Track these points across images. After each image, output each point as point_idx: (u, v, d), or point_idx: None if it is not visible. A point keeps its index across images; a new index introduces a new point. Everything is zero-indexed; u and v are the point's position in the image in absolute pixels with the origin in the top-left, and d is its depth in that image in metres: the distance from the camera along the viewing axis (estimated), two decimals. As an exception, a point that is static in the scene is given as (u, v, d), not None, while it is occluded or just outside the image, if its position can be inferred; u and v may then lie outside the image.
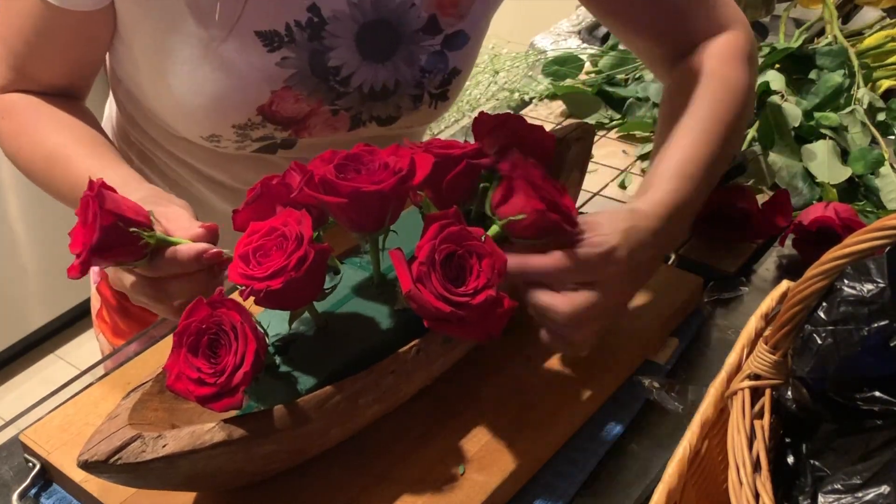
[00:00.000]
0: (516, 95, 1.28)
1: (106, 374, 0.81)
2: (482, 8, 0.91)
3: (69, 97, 0.91)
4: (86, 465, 0.59)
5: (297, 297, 0.63)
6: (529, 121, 0.76)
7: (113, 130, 1.05)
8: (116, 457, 0.58)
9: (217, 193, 1.00)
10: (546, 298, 0.67)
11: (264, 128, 0.88)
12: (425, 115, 0.95)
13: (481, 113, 0.77)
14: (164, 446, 0.59)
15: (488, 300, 0.62)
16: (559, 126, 0.91)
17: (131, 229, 0.65)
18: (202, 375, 0.59)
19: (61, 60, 0.88)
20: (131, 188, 0.75)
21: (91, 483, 0.69)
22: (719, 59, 0.86)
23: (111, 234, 0.64)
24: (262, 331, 0.62)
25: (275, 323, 0.68)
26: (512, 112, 0.81)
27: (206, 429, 0.60)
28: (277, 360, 0.66)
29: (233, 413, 0.62)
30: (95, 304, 1.15)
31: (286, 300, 0.63)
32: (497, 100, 1.29)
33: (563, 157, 0.85)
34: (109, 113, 1.07)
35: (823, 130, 1.06)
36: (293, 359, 0.66)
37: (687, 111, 0.82)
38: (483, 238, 0.65)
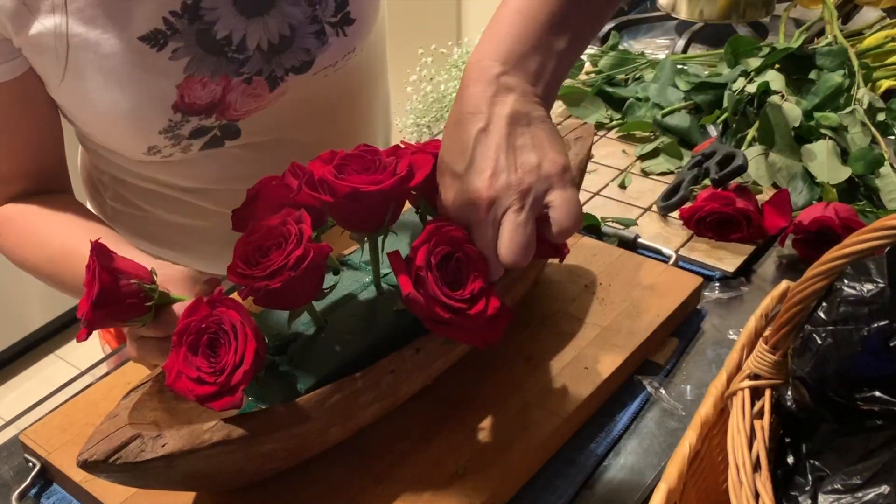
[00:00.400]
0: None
1: (106, 374, 0.81)
2: None
3: (52, 192, 0.91)
4: (85, 465, 0.59)
5: (296, 296, 0.63)
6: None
7: (87, 178, 1.06)
8: (116, 456, 0.58)
9: (196, 212, 0.99)
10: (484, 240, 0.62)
11: (189, 122, 0.88)
12: (341, 45, 0.92)
13: None
14: (163, 446, 0.59)
15: (486, 310, 0.62)
16: (559, 126, 0.91)
17: (131, 281, 0.65)
18: (202, 374, 0.59)
19: (12, 144, 0.88)
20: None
21: (91, 483, 0.69)
22: None
23: (112, 288, 0.64)
24: (261, 330, 0.62)
25: (274, 323, 0.68)
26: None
27: (206, 428, 0.60)
28: (277, 359, 0.66)
29: (232, 412, 0.62)
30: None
31: (285, 299, 0.63)
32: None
33: None
34: (82, 162, 1.07)
35: (823, 130, 1.06)
36: (292, 358, 0.66)
37: None
38: None
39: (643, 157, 1.12)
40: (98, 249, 0.65)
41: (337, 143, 1.00)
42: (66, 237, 0.86)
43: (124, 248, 0.82)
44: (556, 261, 0.78)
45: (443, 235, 0.63)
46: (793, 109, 1.06)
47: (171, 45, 0.84)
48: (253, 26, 0.87)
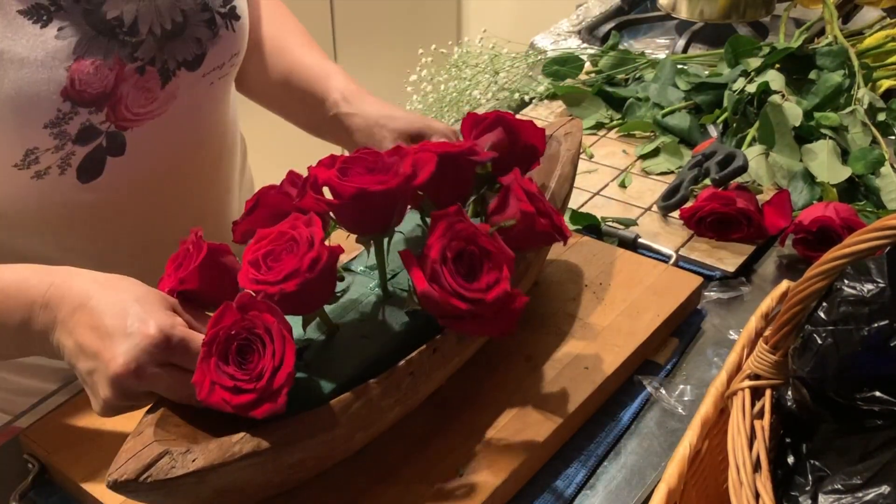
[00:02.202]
0: (516, 96, 1.28)
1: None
2: None
3: None
4: (115, 485, 0.58)
5: (310, 300, 0.63)
6: (528, 119, 0.76)
7: None
8: (146, 474, 0.57)
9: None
10: None
11: (78, 115, 0.80)
12: (229, 42, 0.91)
13: (470, 113, 0.77)
14: (193, 461, 0.58)
15: (502, 295, 0.62)
16: (549, 122, 0.91)
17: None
18: (238, 383, 0.57)
19: None
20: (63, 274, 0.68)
21: (91, 483, 0.69)
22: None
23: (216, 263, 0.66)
24: None
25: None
26: (511, 112, 0.81)
27: (235, 440, 0.59)
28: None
29: (250, 425, 0.61)
30: None
31: (300, 303, 0.62)
32: (497, 100, 1.29)
33: (554, 152, 0.85)
34: None
35: (823, 130, 1.06)
36: (308, 365, 0.66)
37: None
38: (490, 233, 0.65)
39: (643, 157, 1.12)
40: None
41: (209, 196, 0.98)
42: None
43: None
44: (555, 258, 0.78)
45: (456, 231, 0.63)
46: (793, 109, 1.06)
47: (56, 22, 0.78)
48: (144, 7, 0.83)
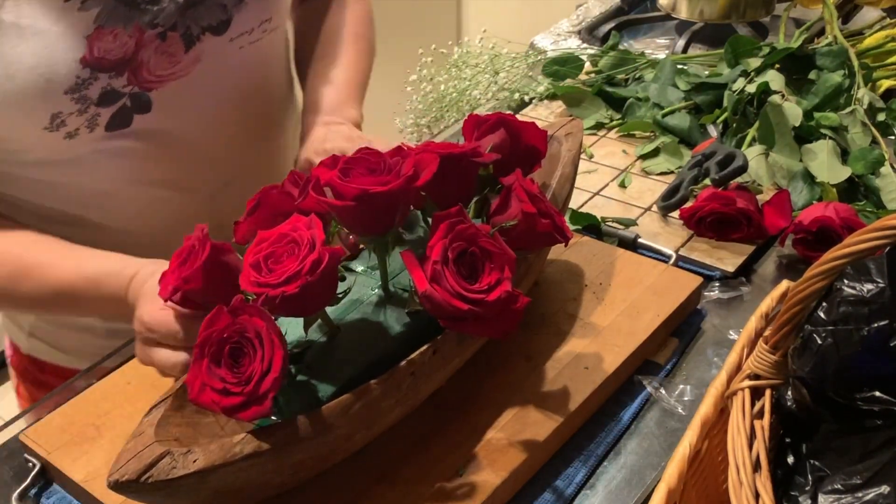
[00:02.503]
0: (516, 96, 1.28)
1: (106, 375, 0.81)
2: None
3: None
4: (116, 486, 0.58)
5: (312, 302, 0.63)
6: (529, 121, 0.76)
7: None
8: (147, 475, 0.57)
9: (84, 231, 0.92)
10: None
11: (97, 80, 0.82)
12: (258, 8, 0.91)
13: (471, 114, 0.77)
14: (194, 461, 0.58)
15: (503, 296, 0.62)
16: (549, 123, 0.91)
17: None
18: (227, 385, 0.58)
19: None
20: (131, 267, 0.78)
21: (91, 483, 0.69)
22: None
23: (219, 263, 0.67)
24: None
25: (286, 331, 0.68)
26: (511, 112, 0.81)
27: (235, 441, 0.59)
28: (293, 368, 0.66)
29: (253, 425, 0.62)
30: (13, 382, 1.10)
31: (302, 306, 0.62)
32: (497, 100, 1.29)
33: (555, 152, 0.85)
34: None
35: (823, 130, 1.06)
36: (309, 367, 0.66)
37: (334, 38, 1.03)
38: (492, 234, 0.65)
39: (643, 157, 1.12)
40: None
41: (247, 149, 0.99)
42: (19, 250, 0.83)
43: (79, 248, 0.82)
44: (555, 258, 0.78)
45: (458, 232, 0.63)
46: (793, 109, 1.06)
47: None
48: None
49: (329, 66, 1.02)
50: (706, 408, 0.57)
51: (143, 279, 0.76)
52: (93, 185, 0.90)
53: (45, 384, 1.04)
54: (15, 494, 0.71)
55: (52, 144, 0.84)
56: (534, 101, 1.26)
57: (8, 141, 0.84)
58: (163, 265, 0.72)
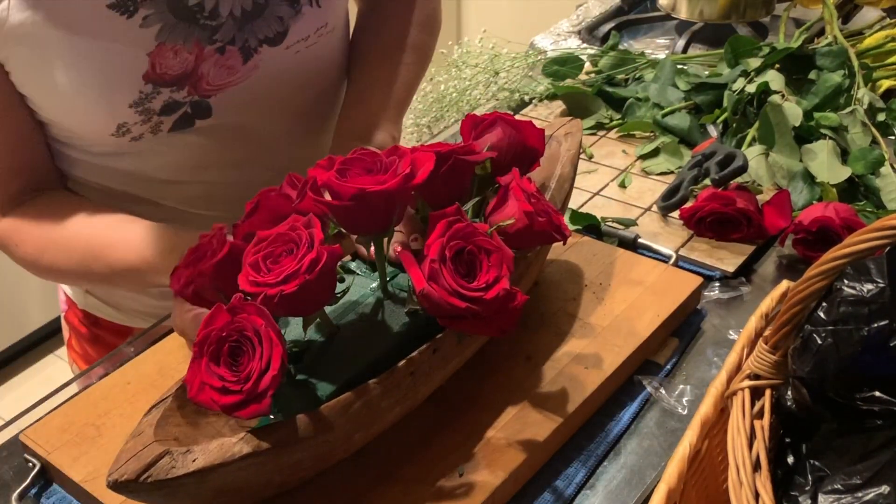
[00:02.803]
0: (516, 96, 1.28)
1: (106, 375, 0.81)
2: None
3: (45, 190, 0.91)
4: (115, 485, 0.58)
5: (310, 301, 0.63)
6: (528, 120, 0.76)
7: None
8: (146, 474, 0.57)
9: (159, 213, 0.97)
10: None
11: (160, 94, 0.86)
12: (312, 16, 0.92)
13: (469, 114, 0.77)
14: (193, 461, 0.58)
15: (501, 294, 0.62)
16: (548, 123, 0.91)
17: None
18: (226, 384, 0.58)
19: (3, 139, 0.87)
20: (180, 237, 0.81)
21: (91, 483, 0.69)
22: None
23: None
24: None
25: (285, 331, 0.68)
26: (511, 112, 0.81)
27: (235, 441, 0.59)
28: (292, 368, 0.66)
29: (253, 424, 0.61)
30: (66, 335, 1.14)
31: (300, 305, 0.62)
32: (497, 100, 1.29)
33: (555, 152, 0.85)
34: None
35: (823, 130, 1.06)
36: (309, 366, 0.66)
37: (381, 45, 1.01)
38: (489, 233, 0.65)
39: (643, 157, 1.12)
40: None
41: (304, 139, 1.01)
42: (90, 234, 0.86)
43: (140, 225, 0.85)
44: (555, 258, 0.78)
45: (455, 230, 0.63)
46: (793, 109, 1.06)
47: (142, 11, 0.82)
48: None
49: (368, 87, 1.00)
50: (706, 408, 0.57)
51: None
52: (158, 174, 0.93)
53: (99, 339, 1.09)
54: (15, 494, 0.71)
55: (118, 143, 0.88)
56: (534, 101, 1.26)
57: (77, 137, 0.89)
58: None
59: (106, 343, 1.08)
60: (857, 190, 1.02)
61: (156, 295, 1.02)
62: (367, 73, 1.01)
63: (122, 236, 0.85)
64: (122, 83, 0.84)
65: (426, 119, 1.28)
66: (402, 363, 0.65)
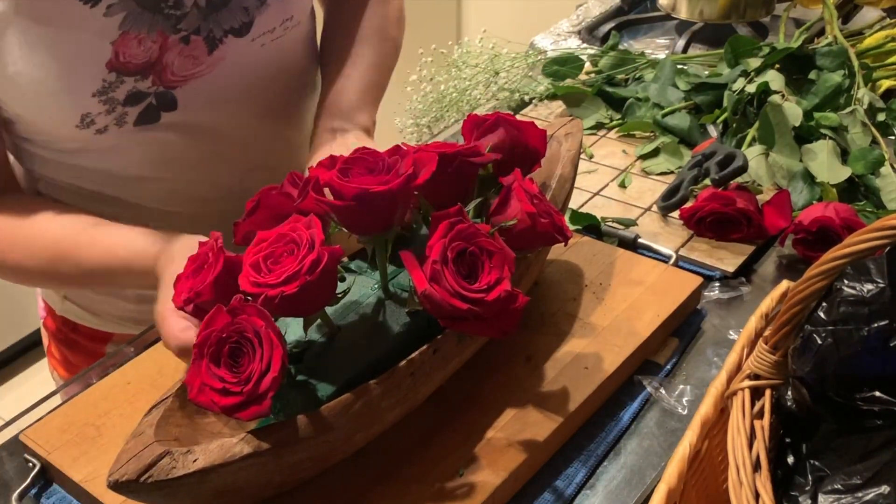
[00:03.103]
0: (517, 96, 1.28)
1: (105, 375, 0.81)
2: None
3: (4, 191, 0.90)
4: (116, 486, 0.58)
5: (311, 301, 0.62)
6: (529, 121, 0.76)
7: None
8: (147, 475, 0.57)
9: (124, 210, 0.95)
10: None
11: (124, 83, 0.85)
12: (280, 8, 0.92)
13: (471, 114, 0.77)
14: (194, 461, 0.58)
15: (503, 295, 0.62)
16: (548, 122, 0.91)
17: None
18: (226, 385, 0.58)
19: None
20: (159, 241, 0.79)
21: (91, 483, 0.69)
22: None
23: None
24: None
25: (286, 331, 0.68)
26: (511, 112, 0.81)
27: (235, 441, 0.59)
28: (293, 368, 0.66)
29: (253, 425, 0.61)
30: (45, 342, 1.13)
31: (301, 306, 0.62)
32: (497, 100, 1.29)
33: (555, 152, 0.85)
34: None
35: (823, 130, 1.06)
36: (309, 366, 0.66)
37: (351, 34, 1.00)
38: (491, 234, 0.65)
39: (643, 157, 1.12)
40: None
41: (270, 138, 1.00)
42: (57, 234, 0.86)
43: (111, 228, 0.84)
44: (555, 258, 0.78)
45: (457, 231, 0.63)
46: (793, 109, 1.06)
47: (105, 0, 0.81)
48: None
49: (349, 67, 1.00)
50: (706, 408, 0.57)
51: (169, 259, 0.77)
52: (126, 171, 0.93)
53: (78, 344, 1.08)
54: (15, 494, 0.71)
55: (84, 137, 0.87)
56: (534, 101, 1.26)
57: (42, 133, 0.88)
58: (188, 244, 0.75)
59: (85, 348, 1.07)
60: (857, 190, 1.02)
61: (132, 299, 1.01)
62: (350, 53, 1.01)
63: (92, 236, 0.84)
64: (84, 72, 0.83)
65: (426, 119, 1.28)
66: (402, 364, 0.65)
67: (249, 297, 0.61)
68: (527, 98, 1.27)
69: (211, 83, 0.91)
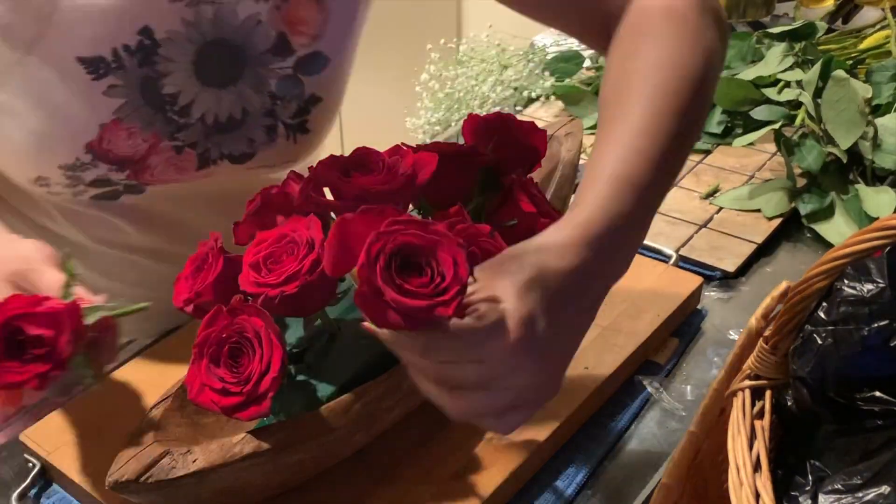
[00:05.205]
0: (525, 93, 1.28)
1: (106, 374, 0.81)
2: (340, 27, 0.81)
3: None
4: (116, 486, 0.58)
5: (312, 301, 0.63)
6: (530, 121, 0.76)
7: None
8: (147, 475, 0.57)
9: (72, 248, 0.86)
10: (435, 396, 0.53)
11: (96, 168, 0.78)
12: (285, 149, 0.84)
13: (471, 114, 0.77)
14: (194, 461, 0.58)
15: None
16: (549, 123, 0.91)
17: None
18: (226, 385, 0.58)
19: None
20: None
21: (91, 483, 0.69)
22: (660, 14, 0.66)
23: None
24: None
25: (288, 332, 0.68)
26: (519, 109, 0.81)
27: (235, 441, 0.59)
28: (293, 368, 0.66)
29: (253, 425, 0.61)
30: None
31: (301, 305, 0.62)
32: (504, 97, 1.29)
33: (555, 152, 0.85)
34: None
35: None
36: (309, 367, 0.66)
37: (627, 91, 0.63)
38: (491, 234, 0.65)
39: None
40: None
41: (227, 227, 0.82)
42: None
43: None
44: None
45: (457, 232, 0.62)
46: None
47: (110, 79, 0.74)
48: (205, 95, 0.78)
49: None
50: (706, 408, 0.57)
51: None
52: (62, 230, 0.87)
53: None
54: (15, 494, 0.71)
55: (36, 192, 0.81)
56: (541, 98, 1.26)
57: None
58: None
59: None
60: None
61: None
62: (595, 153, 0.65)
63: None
64: (62, 142, 0.76)
65: (437, 116, 1.28)
66: (400, 364, 0.65)
67: (249, 298, 0.61)
68: (533, 95, 1.27)
69: (186, 188, 0.85)
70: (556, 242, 0.54)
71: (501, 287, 0.51)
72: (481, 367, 0.51)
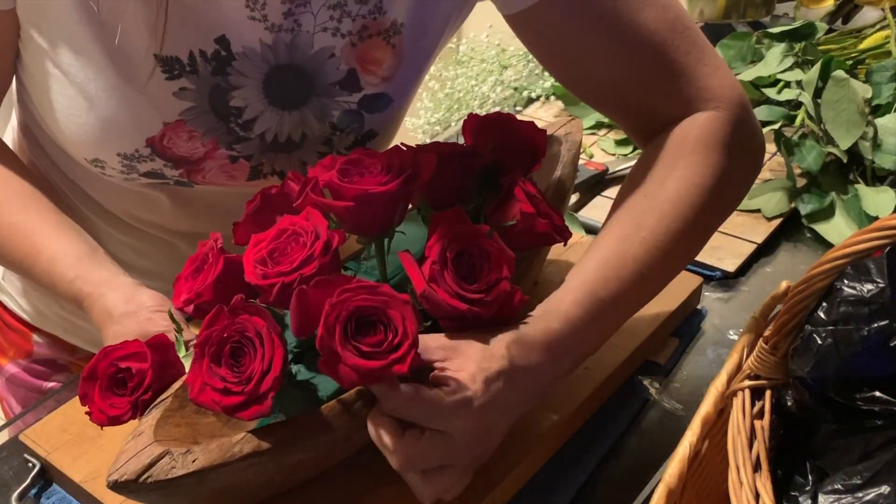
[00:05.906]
0: (525, 93, 1.28)
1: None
2: (411, 73, 0.83)
3: None
4: (115, 486, 0.58)
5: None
6: (529, 121, 0.76)
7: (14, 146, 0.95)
8: (147, 475, 0.57)
9: (112, 225, 0.93)
10: (384, 437, 0.60)
11: (152, 161, 0.81)
12: None
13: (471, 114, 0.77)
14: (193, 461, 0.58)
15: (502, 295, 0.62)
16: (549, 122, 0.91)
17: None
18: (228, 385, 0.58)
19: None
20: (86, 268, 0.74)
21: (91, 483, 0.69)
22: (687, 146, 0.71)
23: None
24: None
25: (288, 332, 0.68)
26: (519, 109, 0.81)
27: (235, 441, 0.59)
28: (294, 368, 0.66)
29: (253, 425, 0.61)
30: None
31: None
32: (504, 97, 1.29)
33: (555, 152, 0.85)
34: (12, 136, 0.96)
35: None
36: (310, 366, 0.65)
37: (628, 208, 0.71)
38: (490, 234, 0.65)
39: (643, 157, 1.12)
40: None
41: None
42: (32, 227, 0.78)
43: (51, 215, 0.78)
44: (555, 258, 0.77)
45: (456, 232, 0.63)
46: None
47: (182, 81, 0.77)
48: (270, 114, 0.80)
49: (577, 271, 0.68)
50: (706, 408, 0.57)
51: (107, 314, 0.71)
52: (107, 203, 0.90)
53: (3, 322, 1.04)
54: (15, 494, 0.71)
55: (89, 171, 0.84)
56: (541, 98, 1.26)
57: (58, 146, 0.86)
58: (124, 295, 0.71)
59: (5, 335, 1.03)
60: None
61: (68, 310, 0.98)
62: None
63: (65, 251, 0.77)
64: (125, 132, 0.79)
65: (437, 115, 1.28)
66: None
67: (254, 299, 0.61)
68: (533, 95, 1.27)
69: (236, 188, 0.87)
70: (526, 340, 0.63)
71: (469, 372, 0.60)
72: (439, 433, 0.60)
